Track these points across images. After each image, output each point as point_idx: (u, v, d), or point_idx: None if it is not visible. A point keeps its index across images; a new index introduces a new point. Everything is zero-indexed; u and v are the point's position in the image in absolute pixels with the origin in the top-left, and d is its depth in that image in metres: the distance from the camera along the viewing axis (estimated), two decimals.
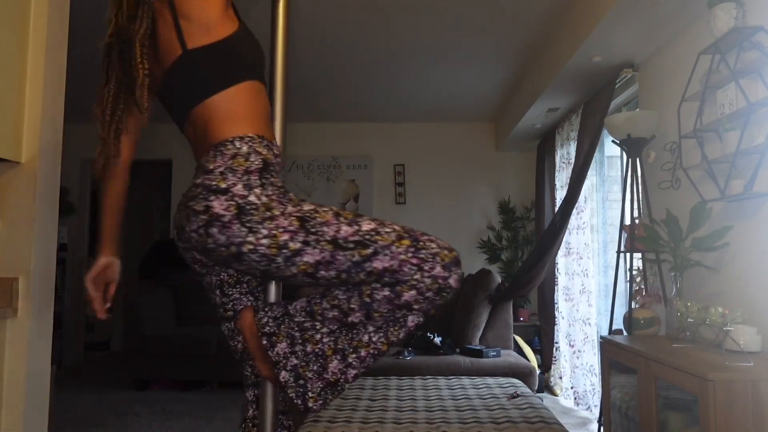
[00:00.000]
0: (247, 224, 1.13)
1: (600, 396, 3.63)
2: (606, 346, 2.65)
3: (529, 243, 5.51)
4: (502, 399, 2.70)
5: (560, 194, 4.53)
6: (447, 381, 3.15)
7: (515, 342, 4.54)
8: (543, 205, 4.88)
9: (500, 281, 4.36)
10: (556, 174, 4.63)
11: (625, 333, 2.85)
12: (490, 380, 3.17)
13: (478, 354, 3.81)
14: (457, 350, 3.95)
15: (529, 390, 2.94)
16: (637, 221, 2.93)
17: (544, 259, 3.97)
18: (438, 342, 3.86)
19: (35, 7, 1.67)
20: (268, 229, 1.13)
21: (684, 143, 2.65)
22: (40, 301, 1.63)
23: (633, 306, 2.85)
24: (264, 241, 1.13)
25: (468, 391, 2.90)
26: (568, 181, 4.06)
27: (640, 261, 3.08)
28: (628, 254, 3.15)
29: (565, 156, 4.49)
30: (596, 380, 3.81)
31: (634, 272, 3.02)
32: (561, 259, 4.52)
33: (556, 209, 4.38)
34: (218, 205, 1.13)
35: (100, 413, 3.93)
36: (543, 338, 4.81)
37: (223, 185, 1.15)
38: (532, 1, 3.22)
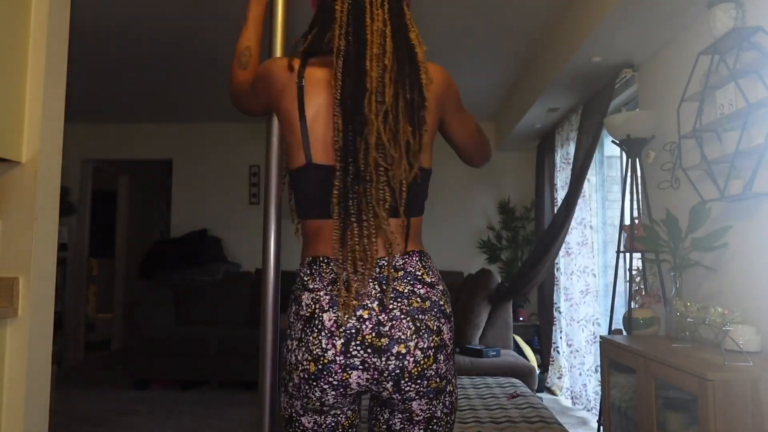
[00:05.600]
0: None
1: (599, 396, 3.64)
2: (606, 345, 2.65)
3: (529, 243, 5.51)
4: (502, 399, 2.70)
5: (560, 194, 4.53)
6: None
7: (515, 342, 4.55)
8: (543, 205, 4.88)
9: (500, 281, 4.36)
10: (556, 174, 4.63)
11: (624, 333, 2.85)
12: (489, 380, 3.18)
13: (478, 354, 3.81)
14: (457, 350, 3.96)
15: (528, 390, 2.94)
16: (636, 221, 2.93)
17: (544, 258, 3.97)
18: None
19: (35, 7, 1.67)
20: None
21: (683, 143, 2.65)
22: (40, 301, 1.63)
23: (632, 306, 2.85)
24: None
25: (468, 390, 2.90)
26: (568, 181, 4.07)
27: (640, 261, 3.08)
28: (627, 254, 3.15)
29: (565, 156, 4.49)
30: (596, 380, 3.81)
31: (634, 272, 3.03)
32: (561, 259, 4.52)
33: (556, 209, 4.39)
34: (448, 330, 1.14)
35: (100, 413, 3.93)
36: (542, 338, 4.81)
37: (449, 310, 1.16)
38: (532, 1, 3.22)
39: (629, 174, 3.01)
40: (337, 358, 1.05)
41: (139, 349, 4.66)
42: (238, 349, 4.56)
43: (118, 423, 3.70)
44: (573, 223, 4.14)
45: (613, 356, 2.57)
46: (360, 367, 1.05)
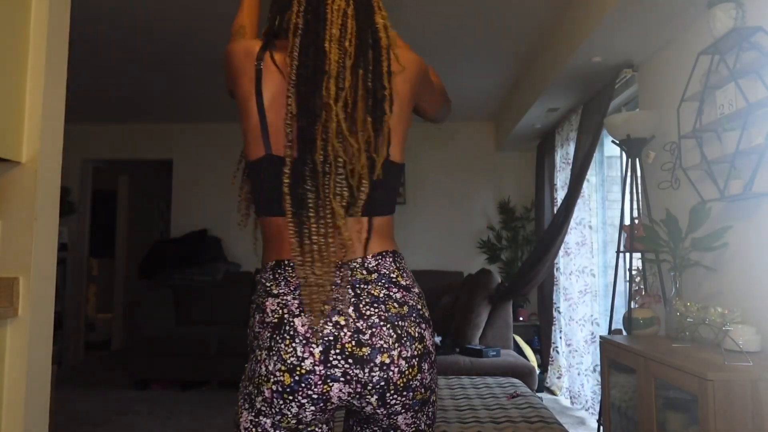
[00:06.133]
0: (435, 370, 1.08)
1: (597, 395, 3.64)
2: (605, 345, 2.65)
3: (529, 243, 5.51)
4: (502, 399, 2.70)
5: (560, 194, 4.53)
6: (447, 381, 3.15)
7: (515, 342, 4.55)
8: (543, 205, 4.88)
9: (500, 281, 4.36)
10: (556, 174, 4.64)
11: (624, 333, 2.85)
12: (489, 380, 3.18)
13: (478, 354, 3.81)
14: (457, 350, 3.96)
15: (528, 390, 2.94)
16: (636, 221, 2.93)
17: (544, 258, 3.97)
18: (438, 341, 3.87)
19: (35, 7, 1.67)
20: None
21: (683, 143, 2.65)
22: (41, 301, 1.63)
23: (632, 306, 2.85)
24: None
25: (468, 390, 2.90)
26: (568, 181, 4.07)
27: (640, 261, 3.08)
28: (627, 254, 3.15)
29: (564, 156, 4.49)
30: (594, 380, 3.81)
31: (634, 272, 3.03)
32: (561, 259, 4.52)
33: (556, 209, 4.39)
34: (430, 337, 1.05)
35: (100, 413, 3.93)
36: (542, 338, 4.82)
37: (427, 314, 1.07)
38: (532, 1, 3.22)
39: (629, 174, 3.01)
40: (317, 368, 0.93)
41: (139, 349, 4.66)
42: (238, 349, 4.56)
43: (118, 423, 3.70)
44: (572, 223, 4.14)
45: (613, 356, 2.57)
46: (342, 379, 0.94)
